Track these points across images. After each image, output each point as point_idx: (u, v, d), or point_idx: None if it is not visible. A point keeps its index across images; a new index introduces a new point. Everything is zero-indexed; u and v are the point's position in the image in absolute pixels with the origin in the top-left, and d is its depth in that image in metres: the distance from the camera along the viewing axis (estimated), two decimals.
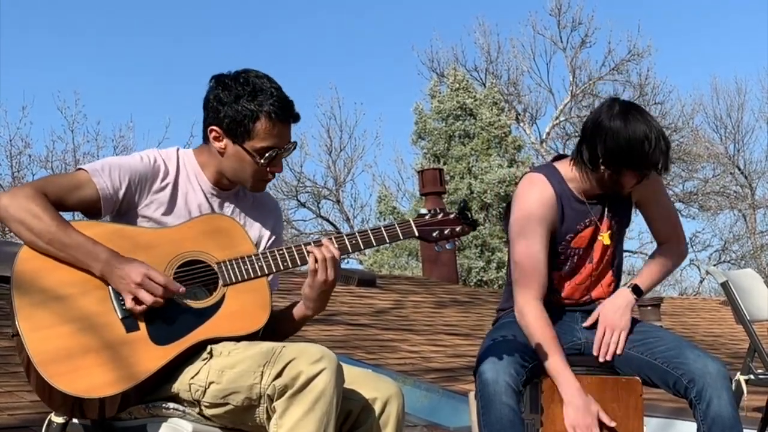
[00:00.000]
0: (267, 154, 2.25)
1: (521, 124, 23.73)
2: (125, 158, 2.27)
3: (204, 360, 2.08)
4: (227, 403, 2.05)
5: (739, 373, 4.30)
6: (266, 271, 2.19)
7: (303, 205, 23.23)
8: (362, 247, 2.22)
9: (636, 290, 2.79)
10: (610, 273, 2.83)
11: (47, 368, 1.98)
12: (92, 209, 2.20)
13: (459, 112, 20.06)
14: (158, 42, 32.76)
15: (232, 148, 2.26)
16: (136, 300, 2.06)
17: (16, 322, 2.03)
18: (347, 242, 2.21)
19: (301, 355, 1.98)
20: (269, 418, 2.01)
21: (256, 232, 2.41)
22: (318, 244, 2.19)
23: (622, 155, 2.57)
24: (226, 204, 2.37)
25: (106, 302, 2.09)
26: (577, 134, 21.07)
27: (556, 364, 2.58)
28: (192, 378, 2.07)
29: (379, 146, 41.26)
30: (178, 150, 2.36)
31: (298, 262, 2.20)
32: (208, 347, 2.10)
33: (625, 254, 3.08)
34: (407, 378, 5.15)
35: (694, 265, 25.18)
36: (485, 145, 19.71)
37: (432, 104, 20.55)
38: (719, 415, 2.50)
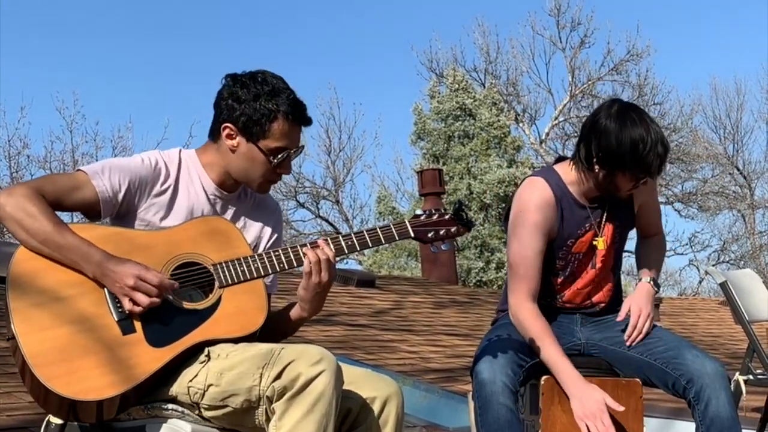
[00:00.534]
0: (279, 155, 2.25)
1: (520, 125, 23.73)
2: (126, 160, 2.26)
3: (202, 362, 2.08)
4: (226, 406, 2.04)
5: (738, 373, 4.30)
6: (262, 273, 2.19)
7: (302, 205, 23.23)
8: (358, 248, 2.22)
9: (656, 285, 2.86)
10: (611, 277, 2.84)
11: (44, 370, 1.97)
12: (91, 211, 2.20)
13: (458, 113, 20.06)
14: (157, 42, 32.79)
15: (245, 147, 2.26)
16: (133, 302, 2.06)
17: (12, 324, 2.02)
18: (343, 243, 2.21)
19: (301, 356, 1.98)
20: (268, 420, 2.01)
21: (257, 233, 2.40)
22: (313, 245, 2.19)
23: (615, 156, 2.56)
24: (229, 206, 2.37)
25: (102, 304, 2.08)
26: (576, 134, 21.10)
27: (552, 354, 2.57)
28: (190, 381, 2.07)
29: (379, 147, 41.22)
30: (180, 151, 2.35)
31: (294, 264, 2.20)
32: (206, 349, 2.09)
33: (624, 254, 3.09)
34: (406, 378, 5.15)
35: (693, 265, 25.22)
36: (484, 145, 19.71)
37: (431, 105, 20.55)
38: (718, 416, 2.50)
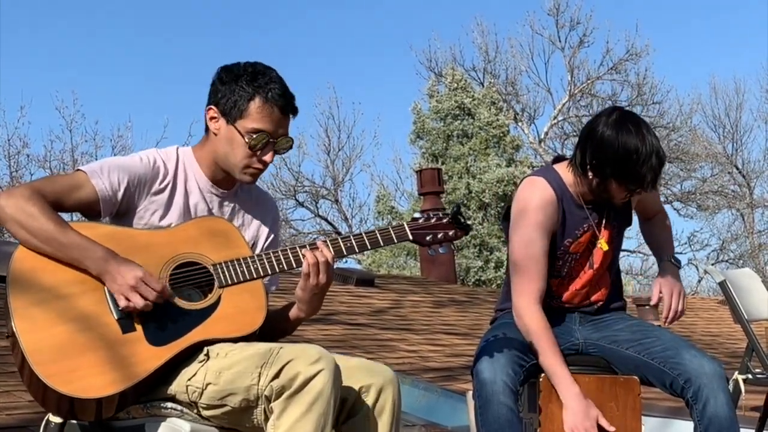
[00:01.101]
0: (256, 136, 2.24)
1: (519, 124, 23.72)
2: (125, 159, 2.27)
3: (201, 362, 2.08)
4: (225, 405, 2.04)
5: (737, 373, 4.29)
6: (261, 274, 2.19)
7: (301, 204, 23.23)
8: (357, 251, 2.22)
9: (676, 261, 2.87)
10: (608, 276, 2.84)
11: (43, 368, 1.98)
12: (91, 210, 2.20)
13: (457, 112, 20.06)
14: (157, 42, 32.76)
15: (225, 128, 2.27)
16: (129, 302, 2.06)
17: (12, 322, 2.02)
18: (342, 245, 2.21)
19: (299, 356, 1.98)
20: (267, 419, 2.01)
21: (255, 231, 2.41)
22: (312, 247, 2.19)
23: (608, 165, 2.55)
24: (226, 203, 2.37)
25: (102, 303, 2.08)
26: (575, 134, 21.10)
27: (556, 368, 2.58)
28: (189, 380, 2.07)
29: (378, 146, 41.26)
30: (177, 149, 2.36)
31: (294, 265, 2.20)
32: (205, 349, 2.10)
33: (622, 253, 3.11)
34: (405, 377, 5.15)
35: (692, 264, 25.20)
36: (483, 144, 19.71)
37: (430, 104, 20.55)
38: (716, 416, 2.50)
